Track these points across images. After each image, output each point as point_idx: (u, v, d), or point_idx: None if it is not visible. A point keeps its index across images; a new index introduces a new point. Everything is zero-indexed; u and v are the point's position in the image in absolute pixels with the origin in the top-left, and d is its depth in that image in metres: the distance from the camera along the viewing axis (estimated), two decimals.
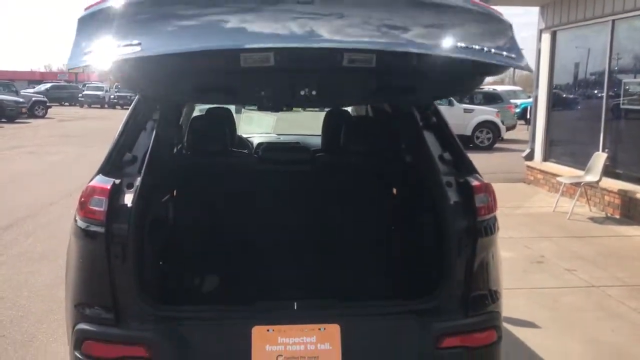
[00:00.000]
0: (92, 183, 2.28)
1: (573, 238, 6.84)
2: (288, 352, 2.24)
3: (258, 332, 2.24)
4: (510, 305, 4.63)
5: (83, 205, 2.26)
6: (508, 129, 20.19)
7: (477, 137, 16.96)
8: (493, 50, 1.93)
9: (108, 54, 1.76)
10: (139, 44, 1.73)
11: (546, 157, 10.25)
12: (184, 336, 2.22)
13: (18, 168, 12.02)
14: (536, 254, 6.15)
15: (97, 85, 43.19)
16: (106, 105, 41.95)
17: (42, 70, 75.83)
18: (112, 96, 43.42)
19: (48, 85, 43.09)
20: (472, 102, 20.20)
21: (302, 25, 1.81)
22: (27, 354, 3.78)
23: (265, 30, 1.81)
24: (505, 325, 4.25)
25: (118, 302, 2.19)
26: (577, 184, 8.15)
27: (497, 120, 17.17)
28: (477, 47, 1.89)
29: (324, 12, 1.88)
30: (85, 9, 2.00)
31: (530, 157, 10.65)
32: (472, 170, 2.51)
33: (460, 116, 16.53)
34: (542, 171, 10.04)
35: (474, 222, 2.34)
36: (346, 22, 1.88)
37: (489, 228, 2.42)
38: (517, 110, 23.94)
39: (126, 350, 2.19)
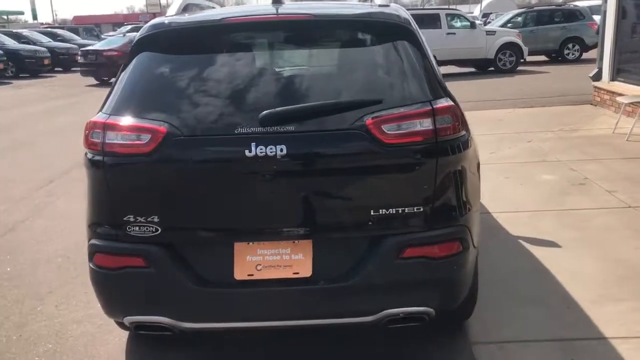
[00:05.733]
0: (92, 119, 2.60)
1: (625, 160, 6.65)
2: (266, 261, 2.53)
3: (239, 246, 2.55)
4: (537, 226, 4.74)
5: (87, 138, 2.60)
6: (589, 47, 19.16)
7: (500, 60, 16.47)
8: None
9: None
10: None
11: (613, 77, 9.76)
12: (177, 249, 2.56)
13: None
14: (580, 176, 6.07)
15: None
16: None
17: (125, 12, 78.14)
18: None
19: (128, 27, 44.34)
20: (551, 21, 19.26)
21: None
22: (85, 271, 4.32)
23: None
24: (523, 244, 4.42)
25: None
26: (638, 104, 7.80)
27: (520, 42, 16.51)
28: None
29: None
30: None
31: (597, 77, 10.16)
32: (442, 94, 2.61)
33: (482, 39, 16.10)
34: (608, 91, 9.60)
35: (435, 142, 2.48)
36: None
37: (453, 147, 2.54)
38: None
39: (128, 261, 2.56)
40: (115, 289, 2.63)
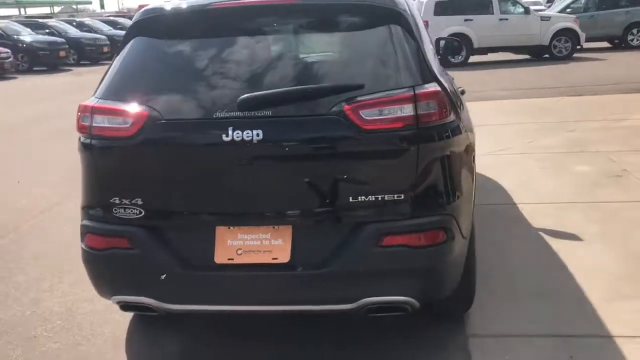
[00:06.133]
0: (83, 103, 2.68)
1: None
2: (246, 246, 2.54)
3: (221, 230, 2.57)
4: (562, 218, 4.58)
5: (78, 122, 2.68)
6: None
7: (555, 47, 15.74)
8: None
9: None
10: None
11: None
12: (161, 231, 2.61)
13: None
14: (618, 167, 5.80)
15: None
16: None
17: None
18: None
19: None
20: (615, 5, 18.35)
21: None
22: None
23: None
24: (543, 237, 4.28)
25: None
26: None
27: (577, 28, 15.67)
28: None
29: None
30: None
31: None
32: (430, 80, 2.54)
33: (536, 25, 15.44)
34: None
35: (416, 128, 2.42)
36: None
37: (438, 134, 2.48)
38: None
39: (114, 242, 2.63)
40: (103, 269, 2.71)
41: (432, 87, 2.49)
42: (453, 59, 15.37)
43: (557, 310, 3.28)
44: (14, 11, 54.72)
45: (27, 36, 22.46)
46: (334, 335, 3.19)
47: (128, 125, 2.51)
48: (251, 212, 2.56)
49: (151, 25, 2.79)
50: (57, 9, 63.64)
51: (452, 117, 2.56)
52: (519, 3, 15.94)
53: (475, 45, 15.32)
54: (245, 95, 2.43)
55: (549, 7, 24.69)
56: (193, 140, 2.51)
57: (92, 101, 2.65)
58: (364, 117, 2.39)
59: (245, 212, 2.56)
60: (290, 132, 2.44)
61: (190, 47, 2.71)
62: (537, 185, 5.45)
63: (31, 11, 55.34)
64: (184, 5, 2.83)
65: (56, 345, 3.25)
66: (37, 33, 23.44)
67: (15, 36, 22.31)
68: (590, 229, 4.37)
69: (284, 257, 2.50)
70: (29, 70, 21.63)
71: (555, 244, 4.15)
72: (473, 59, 15.77)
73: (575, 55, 15.94)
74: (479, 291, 3.45)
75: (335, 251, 2.48)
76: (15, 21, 27.09)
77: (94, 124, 2.59)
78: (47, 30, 24.36)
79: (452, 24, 15.20)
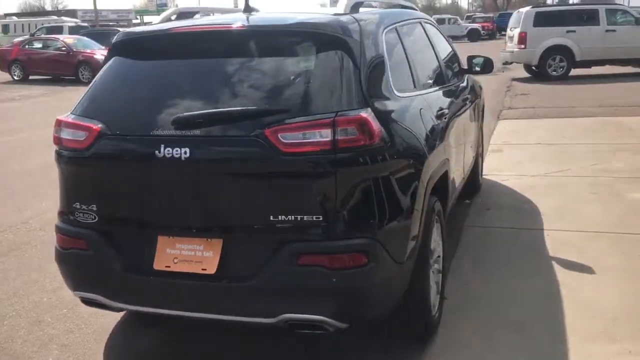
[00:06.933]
0: (58, 117, 3.00)
1: None
2: (182, 255, 2.71)
3: (162, 239, 2.76)
4: (584, 248, 4.35)
5: (53, 134, 3.00)
6: None
7: None
8: None
9: None
10: None
11: None
12: (112, 236, 2.84)
13: None
14: None
15: None
16: None
17: None
18: None
19: None
20: None
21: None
22: None
23: None
24: (554, 266, 4.08)
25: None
26: None
27: None
28: None
29: None
30: None
31: None
32: (363, 105, 2.58)
33: None
34: None
35: (334, 153, 2.47)
36: None
37: (360, 159, 2.50)
38: None
39: (75, 242, 2.90)
40: (67, 266, 3.00)
41: (357, 113, 2.52)
42: (554, 72, 14.71)
43: (530, 346, 3.14)
44: (155, 18, 59.18)
45: None
46: (282, 347, 3.28)
47: (83, 139, 2.79)
48: (187, 224, 2.73)
49: (124, 47, 3.06)
50: None
51: (381, 142, 2.57)
52: (630, 13, 14.84)
53: (577, 58, 14.47)
54: (177, 115, 2.62)
55: None
56: (133, 155, 2.73)
57: (64, 116, 2.96)
58: (282, 140, 2.48)
59: (182, 224, 2.74)
60: (215, 151, 2.59)
61: (145, 69, 2.95)
62: (576, 211, 5.15)
63: None
64: (148, 29, 3.07)
65: (53, 331, 3.60)
66: None
67: None
68: (609, 262, 4.09)
69: (211, 268, 2.65)
70: None
71: (563, 275, 3.93)
72: (575, 72, 14.94)
73: None
74: (456, 319, 3.40)
75: (259, 267, 2.59)
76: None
77: (62, 137, 2.90)
78: None
79: (552, 36, 14.48)
